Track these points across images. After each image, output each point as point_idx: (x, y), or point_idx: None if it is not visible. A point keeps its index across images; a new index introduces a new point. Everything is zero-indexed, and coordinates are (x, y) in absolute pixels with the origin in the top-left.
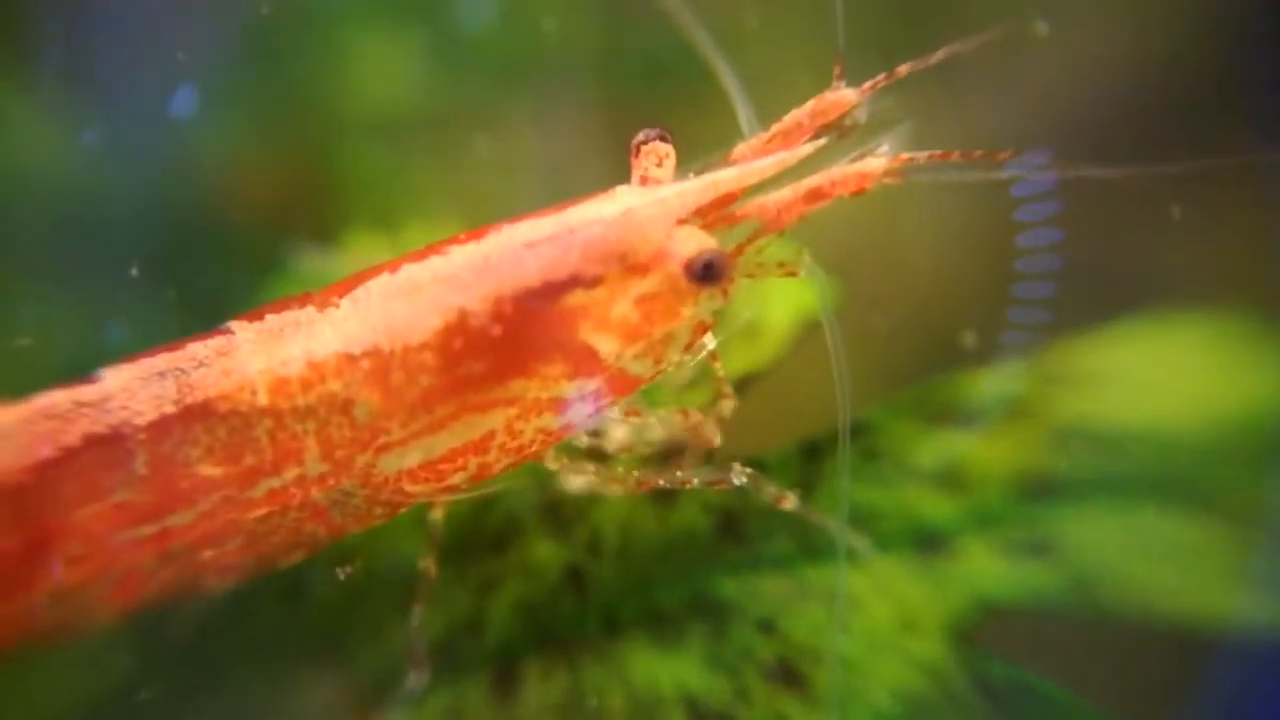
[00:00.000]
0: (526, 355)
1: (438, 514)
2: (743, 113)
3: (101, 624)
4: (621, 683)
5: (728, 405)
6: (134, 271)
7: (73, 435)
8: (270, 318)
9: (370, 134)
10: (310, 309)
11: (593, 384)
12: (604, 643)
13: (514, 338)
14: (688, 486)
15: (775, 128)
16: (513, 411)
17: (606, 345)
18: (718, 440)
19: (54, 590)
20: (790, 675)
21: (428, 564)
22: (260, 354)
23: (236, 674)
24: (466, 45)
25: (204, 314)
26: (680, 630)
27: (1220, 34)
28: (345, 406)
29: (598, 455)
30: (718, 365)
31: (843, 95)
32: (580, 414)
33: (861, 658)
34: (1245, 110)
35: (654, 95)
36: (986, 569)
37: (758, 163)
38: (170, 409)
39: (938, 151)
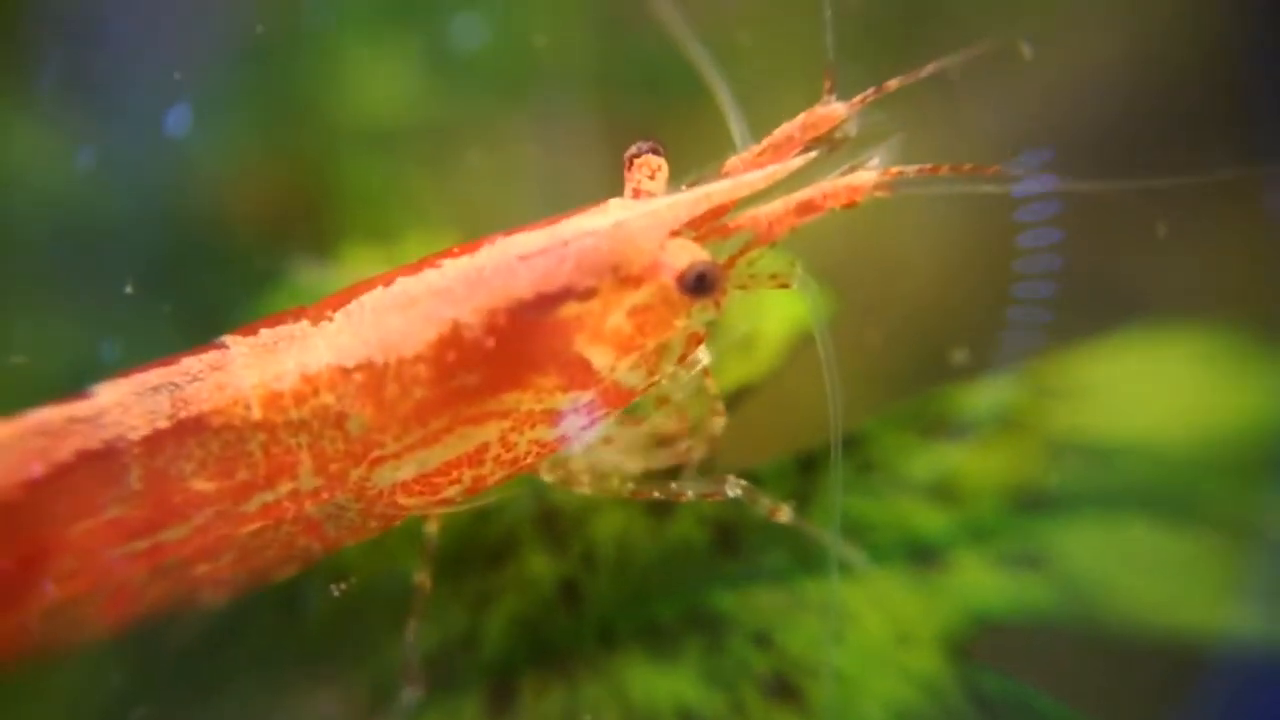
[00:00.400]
0: (520, 367)
1: (432, 527)
2: (735, 126)
3: (95, 639)
4: (618, 697)
5: (719, 423)
6: (129, 288)
7: (66, 451)
8: (264, 332)
9: (366, 146)
10: (304, 323)
11: (586, 395)
12: (600, 657)
13: (508, 350)
14: (682, 499)
15: (766, 141)
16: (507, 424)
17: (600, 357)
18: (699, 455)
19: (47, 606)
20: (786, 689)
21: (422, 578)
22: (254, 368)
23: (231, 690)
24: (462, 58)
25: (200, 329)
26: (676, 644)
27: (1216, 46)
28: (339, 420)
29: (592, 466)
30: (710, 382)
31: (833, 109)
32: (574, 425)
33: (857, 671)
34: (1239, 124)
35: (649, 107)
36: (980, 582)
37: (749, 175)
38: (164, 424)
39: (928, 165)
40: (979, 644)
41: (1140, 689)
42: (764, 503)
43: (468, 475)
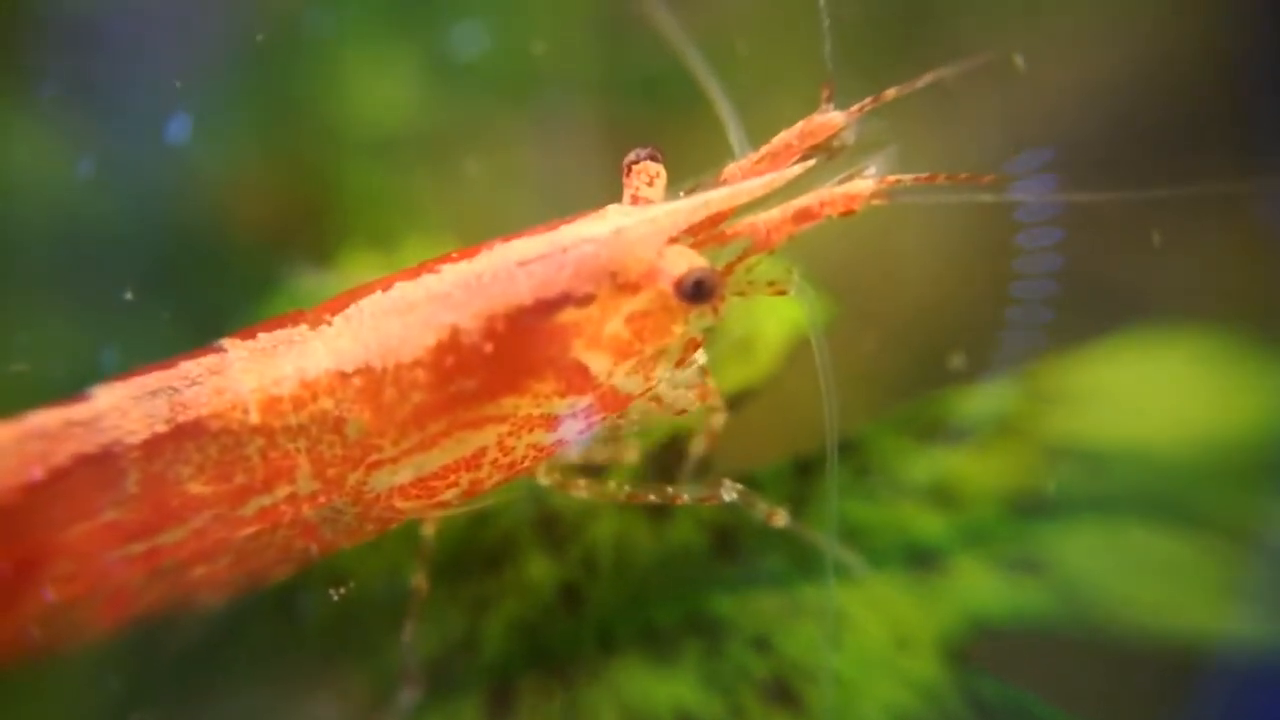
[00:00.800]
0: (518, 372)
1: (429, 530)
2: (733, 133)
3: (92, 641)
4: (616, 701)
5: (719, 419)
6: (129, 294)
7: (64, 455)
8: (263, 336)
9: (366, 152)
10: (303, 327)
11: (584, 400)
12: (599, 661)
13: (506, 355)
14: (679, 502)
15: (765, 148)
16: (505, 428)
17: (598, 362)
18: (700, 451)
19: (45, 608)
20: (785, 693)
21: (420, 581)
22: (252, 372)
23: (229, 692)
24: (462, 65)
25: (200, 334)
26: (675, 648)
27: (1213, 56)
28: (337, 425)
29: (590, 469)
30: (709, 379)
31: (831, 118)
32: (572, 430)
33: (855, 676)
34: (1237, 132)
35: (648, 113)
36: (978, 586)
37: (748, 183)
38: (162, 427)
39: (924, 174)
40: (977, 649)
41: (1138, 693)
42: (761, 507)
43: (465, 479)
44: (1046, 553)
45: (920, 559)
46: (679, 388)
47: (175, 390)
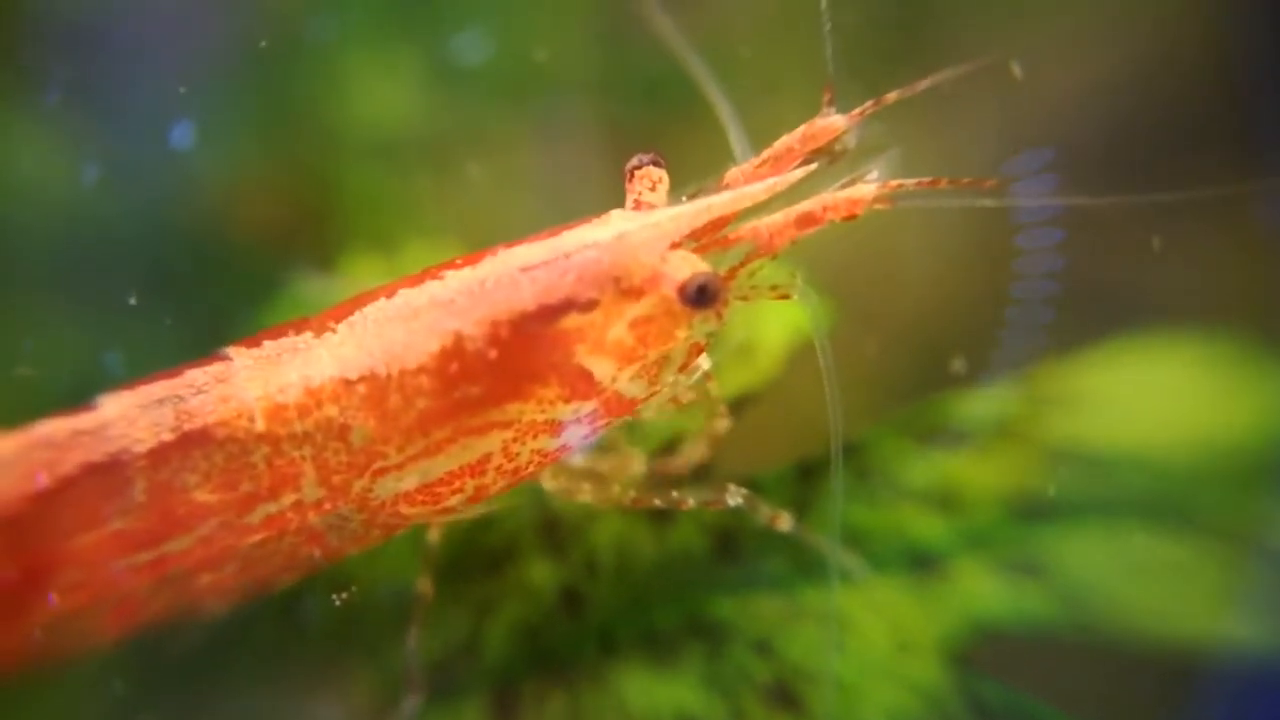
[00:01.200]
0: (523, 378)
1: (434, 535)
2: (735, 138)
3: (98, 649)
4: (618, 704)
5: (722, 424)
6: (133, 300)
7: (71, 464)
8: (267, 344)
9: (369, 157)
10: (307, 334)
11: (588, 406)
12: (601, 664)
13: (510, 361)
14: (683, 507)
15: (766, 152)
16: (509, 434)
17: (602, 368)
18: (703, 456)
19: (51, 617)
20: (786, 697)
21: (424, 585)
22: (258, 380)
23: (233, 698)
24: (464, 71)
25: (204, 340)
26: (677, 651)
27: (1212, 56)
28: (342, 432)
29: (594, 474)
30: (712, 384)
31: (832, 121)
32: (576, 435)
33: (857, 679)
34: (1238, 135)
35: (651, 118)
36: (979, 590)
37: (750, 188)
38: (168, 436)
39: (926, 178)
40: (978, 652)
41: (1139, 697)
42: (764, 511)
43: (470, 485)
44: (1047, 556)
45: (921, 562)
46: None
47: (181, 399)
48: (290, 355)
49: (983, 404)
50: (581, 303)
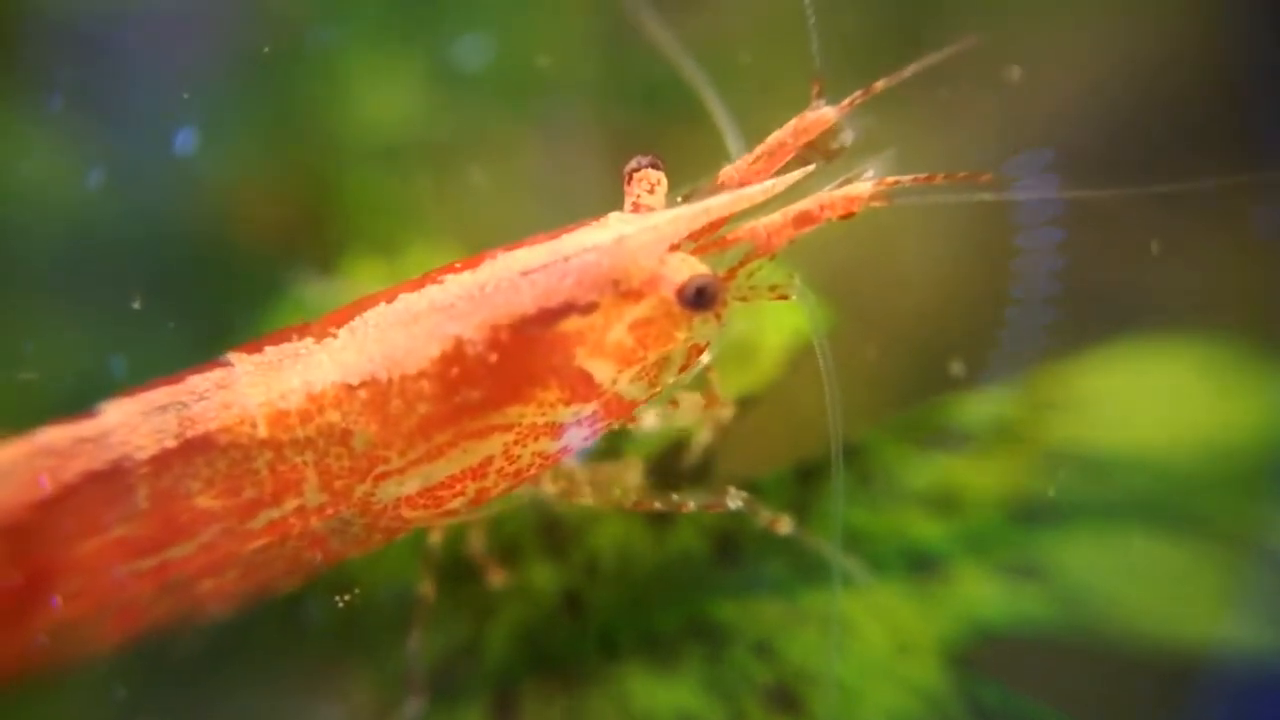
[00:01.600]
0: (523, 381)
1: (436, 538)
2: (732, 140)
3: (100, 654)
4: (619, 707)
5: (725, 412)
6: (136, 304)
7: (73, 471)
8: (269, 349)
9: (370, 160)
10: (308, 340)
11: (589, 408)
12: (601, 667)
13: (510, 364)
14: (683, 510)
15: (759, 148)
16: (510, 437)
17: (602, 370)
18: (708, 442)
19: (54, 623)
20: (787, 699)
21: (426, 588)
22: (259, 386)
23: (235, 702)
24: (465, 73)
25: (207, 343)
26: (677, 654)
27: (1212, 58)
28: (344, 437)
29: (595, 478)
30: (713, 375)
31: (823, 113)
32: (577, 437)
33: (857, 682)
34: (1235, 136)
35: (654, 120)
36: (979, 592)
37: (748, 189)
38: (171, 443)
39: (922, 174)
40: (979, 654)
41: (1139, 700)
42: (764, 514)
43: (472, 488)
44: (1047, 559)
45: (921, 565)
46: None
47: (183, 405)
48: (292, 361)
49: (983, 406)
50: (581, 305)
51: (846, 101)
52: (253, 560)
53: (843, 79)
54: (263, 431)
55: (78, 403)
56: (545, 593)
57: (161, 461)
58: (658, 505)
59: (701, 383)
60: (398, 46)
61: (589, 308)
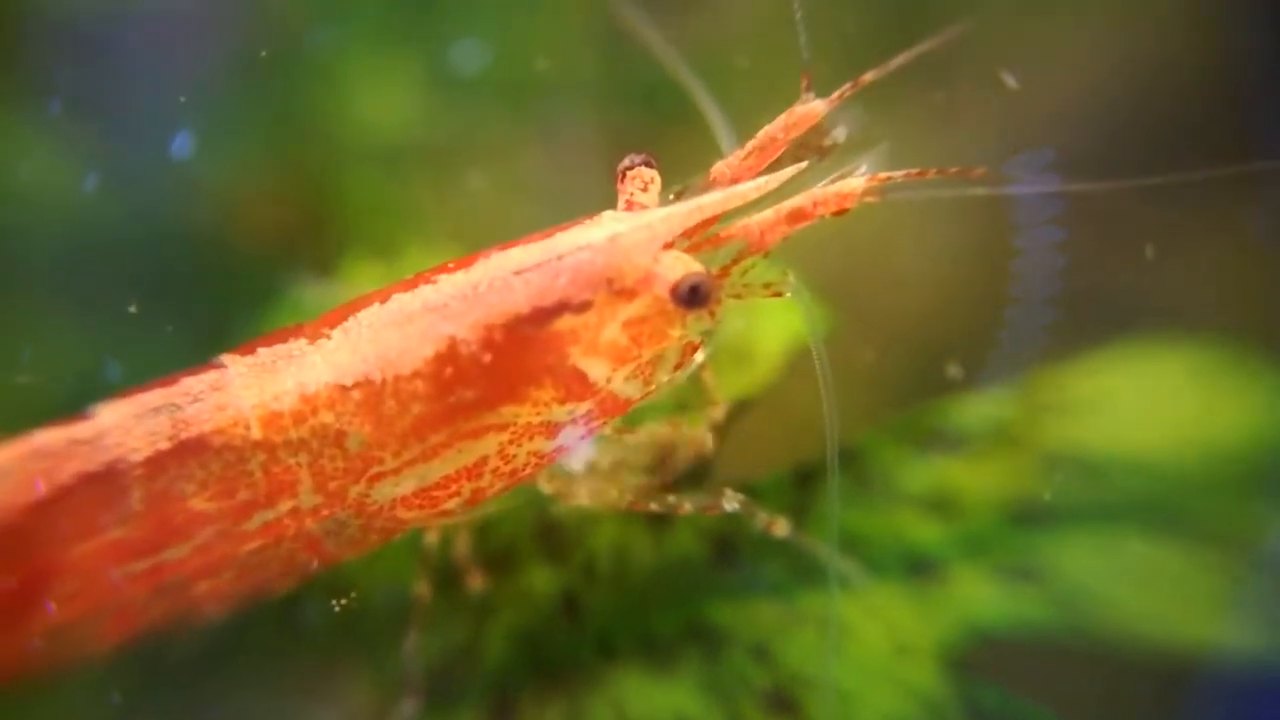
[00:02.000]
0: (517, 381)
1: (432, 538)
2: (723, 134)
3: (96, 657)
4: (616, 709)
5: (719, 411)
6: (132, 308)
7: (67, 473)
8: (262, 351)
9: (368, 162)
10: (302, 341)
11: (584, 407)
12: (599, 669)
13: (505, 364)
14: (680, 512)
15: (750, 143)
16: (505, 436)
17: (596, 368)
18: (710, 445)
19: (49, 626)
20: (784, 702)
21: (422, 589)
22: (253, 388)
23: (232, 705)
24: (464, 76)
25: (204, 347)
26: (675, 656)
27: (1211, 58)
28: (338, 438)
29: (590, 476)
30: (707, 374)
31: (813, 107)
32: (572, 436)
33: (855, 685)
34: (1235, 134)
35: (653, 121)
36: (977, 595)
37: (741, 186)
38: (165, 445)
39: (914, 170)
40: (976, 657)
41: (1136, 702)
42: (761, 516)
43: (467, 488)
44: (1045, 561)
45: (919, 568)
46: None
47: (177, 407)
48: (285, 362)
49: (980, 409)
50: (575, 304)
51: (836, 94)
52: (248, 562)
53: (840, 78)
54: (256, 433)
55: (75, 406)
56: (543, 595)
57: (156, 463)
58: (654, 507)
59: (696, 382)
60: (396, 49)
61: (583, 306)
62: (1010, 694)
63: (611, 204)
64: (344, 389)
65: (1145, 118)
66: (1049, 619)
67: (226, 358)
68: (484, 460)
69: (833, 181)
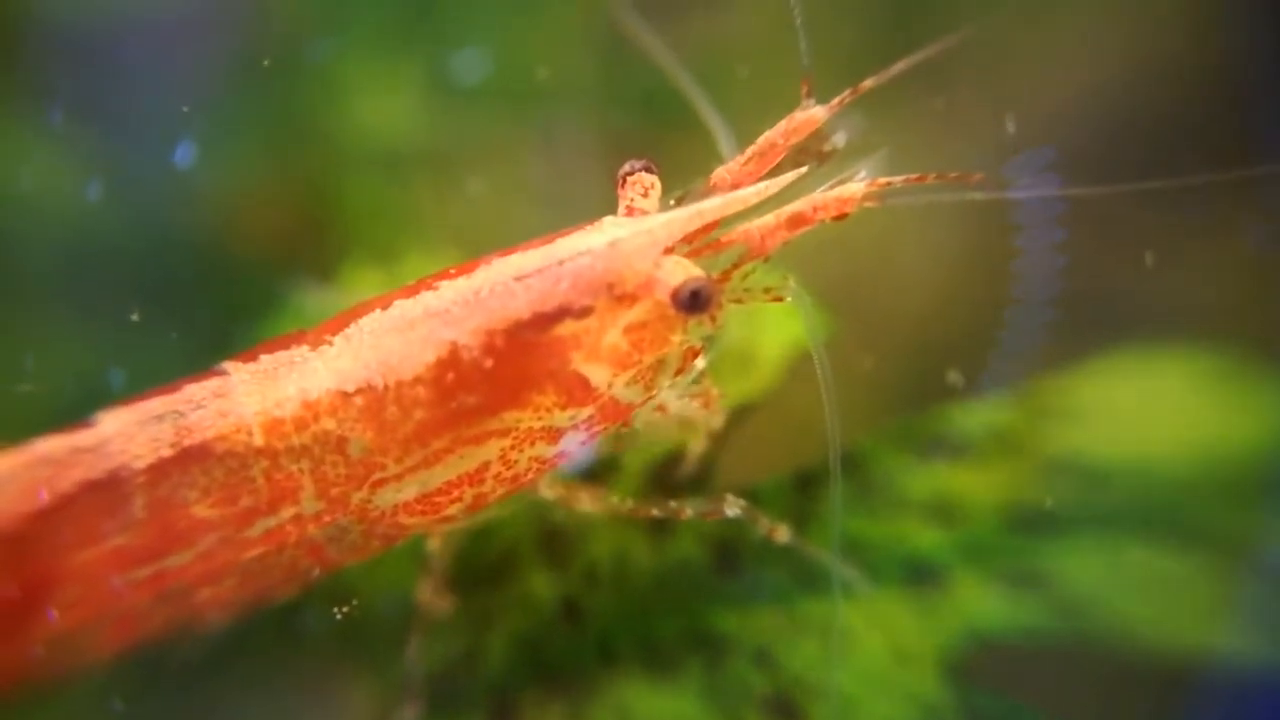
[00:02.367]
0: (519, 386)
1: (435, 544)
2: (723, 140)
3: (98, 664)
4: (618, 716)
5: (719, 419)
6: (135, 316)
7: (70, 481)
8: (264, 358)
9: (369, 168)
10: (304, 347)
11: (585, 412)
12: (601, 675)
13: (506, 369)
14: (681, 517)
15: (751, 149)
16: (507, 442)
17: (598, 374)
18: (702, 450)
19: (51, 634)
20: (786, 709)
21: (424, 595)
22: (255, 394)
23: (233, 712)
24: (465, 85)
25: (206, 355)
26: (676, 663)
27: (1211, 60)
28: (340, 444)
29: (592, 482)
30: (708, 381)
31: (812, 113)
32: (574, 441)
33: (857, 691)
34: (1236, 134)
35: (654, 127)
36: (978, 601)
37: (741, 192)
38: (168, 452)
39: (914, 175)
40: (977, 664)
41: (1137, 709)
42: (763, 522)
43: (469, 494)
44: (1046, 568)
45: (920, 574)
46: (682, 399)
47: (180, 414)
48: (287, 369)
49: (981, 414)
50: (576, 310)
51: (836, 101)
52: (250, 569)
53: (840, 84)
54: (259, 440)
55: (78, 414)
56: (544, 600)
57: (158, 470)
58: (655, 512)
59: (698, 387)
60: (397, 55)
61: (584, 312)
62: (1010, 700)
63: (612, 208)
64: (346, 395)
65: (1145, 118)
66: (1050, 625)
67: (229, 364)
68: (486, 466)
69: (832, 186)
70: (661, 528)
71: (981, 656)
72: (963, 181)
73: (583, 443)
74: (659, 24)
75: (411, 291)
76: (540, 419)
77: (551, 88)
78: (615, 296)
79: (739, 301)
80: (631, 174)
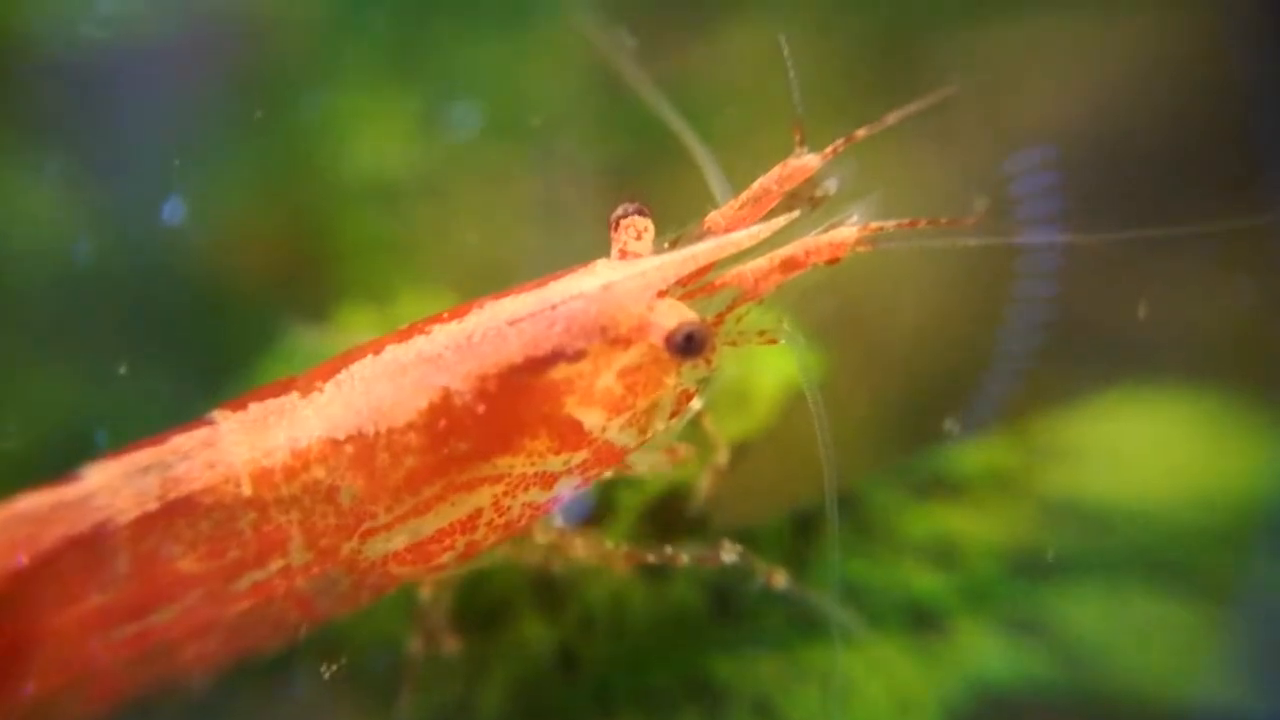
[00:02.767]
0: (512, 431)
1: (426, 592)
2: (715, 183)
3: None
4: None
5: (722, 456)
6: (123, 370)
7: (52, 538)
8: (253, 406)
9: (362, 206)
10: (293, 394)
11: (579, 456)
12: None
13: (499, 414)
14: (677, 563)
15: (745, 194)
16: (500, 488)
17: (591, 418)
18: (706, 489)
19: (31, 698)
20: None
21: (416, 645)
22: (244, 444)
23: None
24: (460, 127)
25: (198, 397)
26: (674, 711)
27: (1217, 50)
28: (330, 493)
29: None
30: (707, 420)
31: (806, 160)
32: (567, 486)
33: None
34: (1237, 139)
35: (649, 162)
36: (979, 648)
37: (734, 235)
38: (153, 505)
39: (906, 219)
40: (979, 712)
41: None
42: (761, 568)
43: (461, 541)
44: (1047, 614)
45: (921, 620)
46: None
47: (167, 466)
48: (277, 417)
49: (978, 454)
50: (569, 353)
51: (829, 149)
52: (236, 624)
53: (831, 127)
54: (247, 490)
55: (64, 469)
56: (539, 648)
57: (143, 525)
58: (651, 558)
59: (696, 430)
60: (391, 98)
61: (577, 355)
62: None
63: (606, 246)
64: (336, 443)
65: (1144, 121)
66: (1052, 673)
67: (218, 413)
68: (478, 513)
69: (825, 230)
70: (658, 573)
71: (983, 705)
72: (955, 226)
73: (576, 488)
74: (648, 63)
75: (404, 336)
76: (534, 464)
77: (545, 132)
78: (609, 340)
79: (733, 344)
80: (624, 217)
